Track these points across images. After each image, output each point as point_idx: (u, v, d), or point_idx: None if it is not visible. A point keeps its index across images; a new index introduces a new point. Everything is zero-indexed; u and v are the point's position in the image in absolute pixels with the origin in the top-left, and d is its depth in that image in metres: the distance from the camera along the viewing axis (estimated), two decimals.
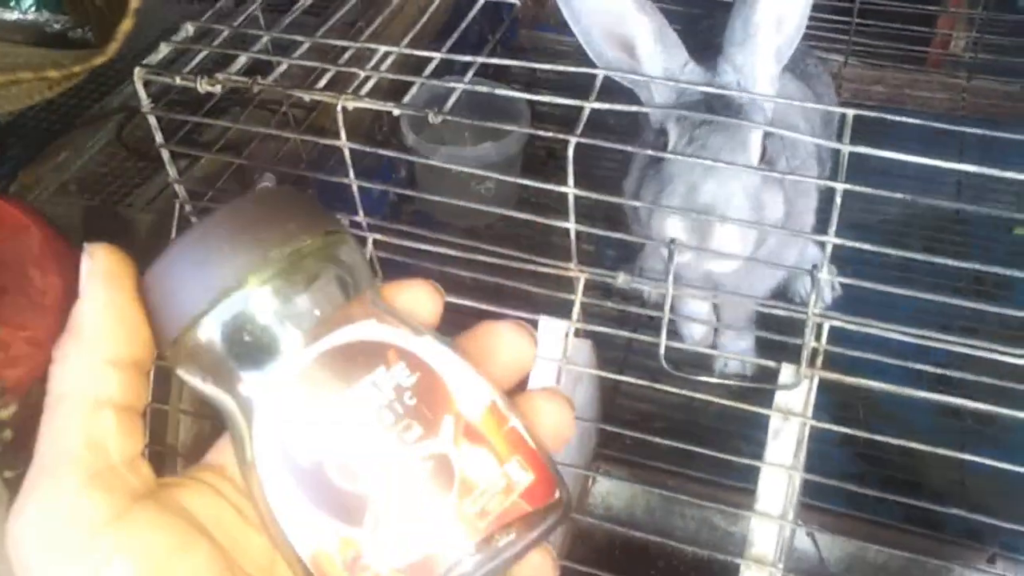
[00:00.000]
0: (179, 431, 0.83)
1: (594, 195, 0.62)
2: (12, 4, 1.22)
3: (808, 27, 1.29)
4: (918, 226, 1.20)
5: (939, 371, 0.61)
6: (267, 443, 0.26)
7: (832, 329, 0.60)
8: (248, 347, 0.26)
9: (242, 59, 0.69)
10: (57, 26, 1.25)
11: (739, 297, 0.71)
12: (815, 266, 0.58)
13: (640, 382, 0.64)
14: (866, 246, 0.54)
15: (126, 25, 1.17)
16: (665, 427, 0.90)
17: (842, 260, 1.12)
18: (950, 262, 0.57)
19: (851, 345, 0.60)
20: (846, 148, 0.56)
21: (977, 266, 0.57)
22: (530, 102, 1.17)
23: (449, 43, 0.74)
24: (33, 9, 1.24)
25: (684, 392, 0.63)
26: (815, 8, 1.30)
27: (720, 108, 0.70)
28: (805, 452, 0.64)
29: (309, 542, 0.26)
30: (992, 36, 1.28)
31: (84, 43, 1.30)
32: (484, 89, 0.66)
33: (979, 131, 0.64)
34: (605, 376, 0.71)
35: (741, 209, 0.66)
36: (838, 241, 0.55)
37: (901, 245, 0.94)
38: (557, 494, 0.27)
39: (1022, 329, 0.71)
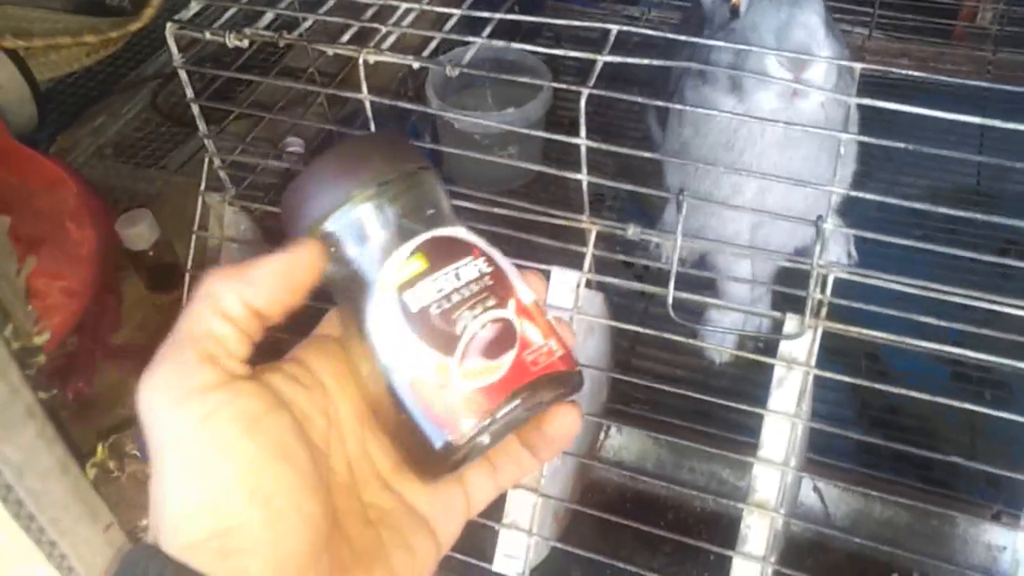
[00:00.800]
0: None
1: (605, 146, 0.63)
2: None
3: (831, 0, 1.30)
4: (942, 201, 1.20)
5: (944, 324, 0.62)
6: (385, 296, 0.35)
7: (852, 286, 0.61)
8: (356, 243, 0.36)
9: (269, 15, 0.72)
10: None
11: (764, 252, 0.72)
12: (820, 217, 0.59)
13: (648, 331, 0.65)
14: (870, 196, 0.55)
15: None
16: (679, 384, 0.91)
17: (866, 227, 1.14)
18: (971, 216, 0.58)
19: (871, 301, 0.62)
20: (853, 100, 0.57)
21: (997, 219, 0.57)
22: (553, 67, 1.19)
23: (455, 18, 0.76)
24: None
25: (692, 342, 0.64)
26: None
27: None
28: (809, 402, 0.65)
29: (410, 370, 0.35)
30: (1020, 8, 1.27)
31: (120, 11, 1.34)
32: (500, 44, 0.68)
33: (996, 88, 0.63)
34: (617, 327, 0.73)
35: (824, 44, 0.69)
36: (842, 191, 0.57)
37: (925, 220, 0.95)
38: (577, 368, 0.37)
39: None
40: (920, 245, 0.60)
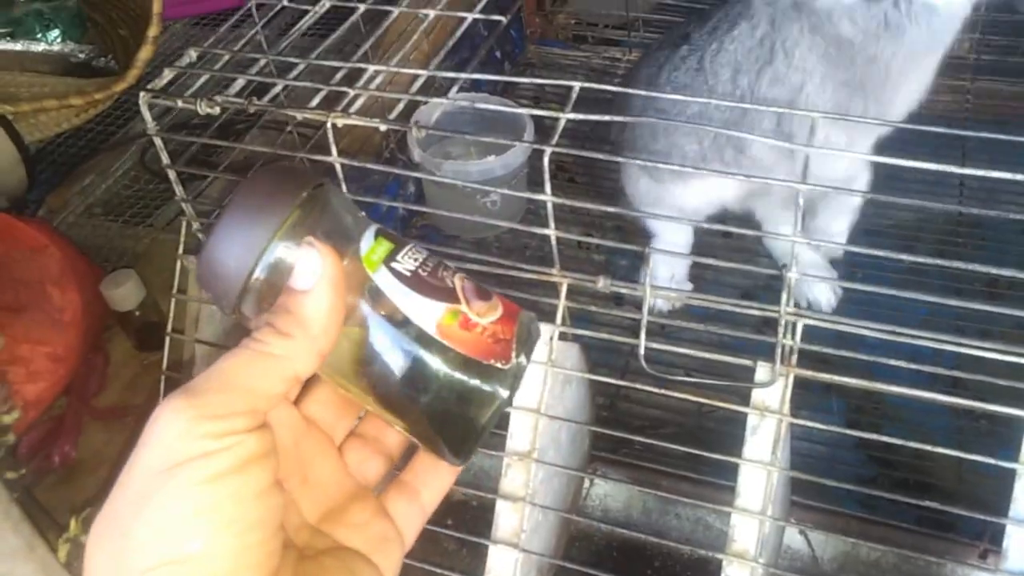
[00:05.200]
0: None
1: (568, 202, 0.64)
2: (39, 36, 1.28)
3: None
4: (929, 230, 1.20)
5: (937, 371, 0.62)
6: (383, 277, 0.38)
7: (842, 333, 0.61)
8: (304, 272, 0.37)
9: (240, 82, 0.73)
10: (82, 56, 1.31)
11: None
12: (784, 265, 0.60)
13: (622, 383, 0.66)
14: (832, 243, 0.55)
15: (145, 53, 1.23)
16: (665, 431, 0.91)
17: (853, 264, 1.14)
18: (934, 262, 0.59)
19: (862, 349, 0.62)
20: (807, 150, 0.57)
21: (977, 267, 0.58)
22: (534, 116, 1.20)
23: (435, 62, 0.77)
24: (59, 40, 1.30)
25: (664, 393, 0.64)
26: None
27: None
28: (786, 449, 0.65)
29: (432, 317, 0.37)
30: (996, 37, 1.28)
31: (108, 71, 1.36)
32: (464, 101, 0.69)
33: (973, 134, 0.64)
34: (595, 379, 0.73)
35: None
36: (803, 241, 0.57)
37: (912, 250, 0.95)
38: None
39: None
40: (893, 293, 0.60)
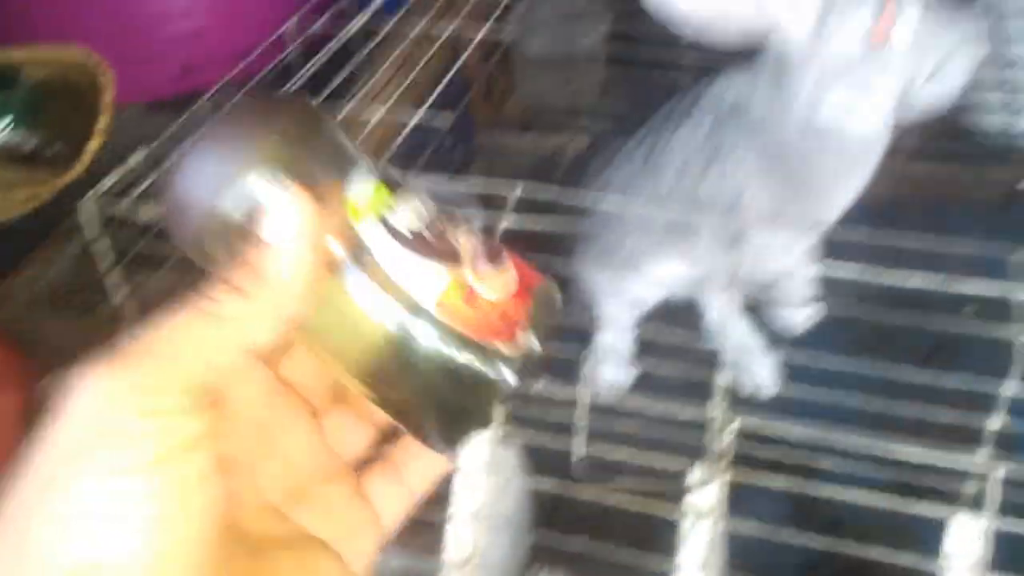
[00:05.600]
0: None
1: None
2: None
3: None
4: (872, 301, 1.23)
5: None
6: (376, 235, 0.31)
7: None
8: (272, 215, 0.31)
9: None
10: (32, 145, 1.31)
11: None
12: (716, 367, 0.61)
13: (560, 492, 0.66)
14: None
15: (93, 144, 1.23)
16: (613, 527, 0.91)
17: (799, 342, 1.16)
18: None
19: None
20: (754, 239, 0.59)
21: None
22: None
23: (387, 155, 0.78)
24: (9, 129, 1.29)
25: (601, 498, 0.65)
26: None
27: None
28: (722, 551, 0.66)
29: (431, 288, 0.31)
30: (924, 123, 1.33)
31: (58, 160, 1.36)
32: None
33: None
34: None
35: None
36: (733, 342, 0.58)
37: (853, 320, 0.97)
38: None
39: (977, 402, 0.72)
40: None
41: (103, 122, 1.22)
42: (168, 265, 0.84)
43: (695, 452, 0.66)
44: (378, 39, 0.93)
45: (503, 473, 0.69)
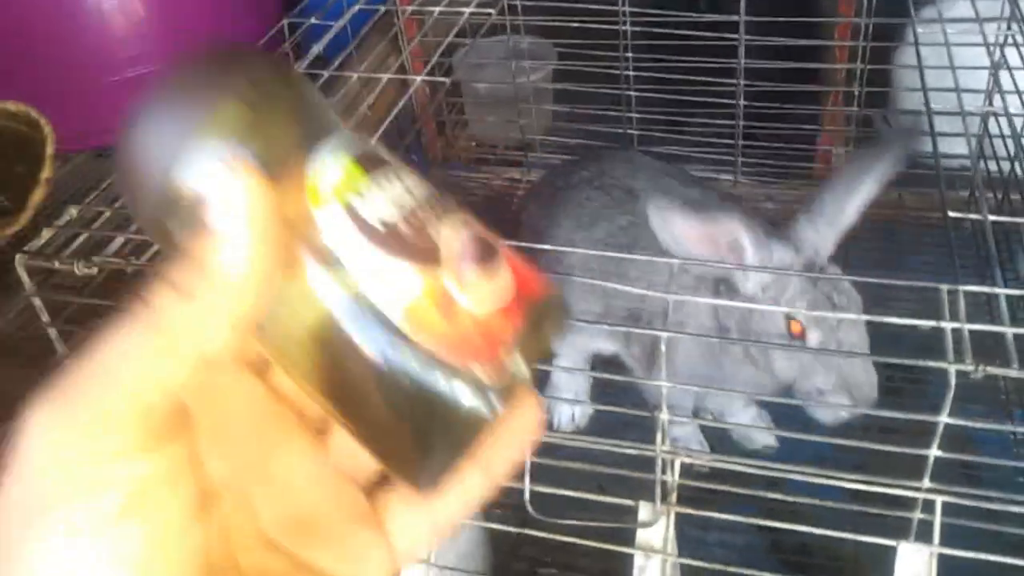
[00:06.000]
0: None
1: None
2: None
3: (697, 151, 1.38)
4: None
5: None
6: (338, 225, 0.26)
7: None
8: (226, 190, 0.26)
9: (120, 239, 0.73)
10: None
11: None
12: (655, 407, 0.61)
13: (509, 528, 0.66)
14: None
15: (37, 195, 1.22)
16: (575, 566, 0.91)
17: None
18: None
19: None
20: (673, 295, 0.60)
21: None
22: None
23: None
24: None
25: (552, 536, 0.65)
26: (703, 134, 1.39)
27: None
28: None
29: (400, 296, 0.26)
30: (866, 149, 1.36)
31: (3, 211, 1.34)
32: None
33: None
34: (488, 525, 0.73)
35: None
36: (669, 385, 0.59)
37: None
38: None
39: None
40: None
41: (45, 174, 1.21)
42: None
43: (645, 488, 0.66)
44: (322, 81, 0.93)
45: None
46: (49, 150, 1.20)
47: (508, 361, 0.27)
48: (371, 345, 0.26)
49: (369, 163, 0.27)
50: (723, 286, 0.86)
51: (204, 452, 0.26)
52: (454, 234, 0.27)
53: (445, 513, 0.30)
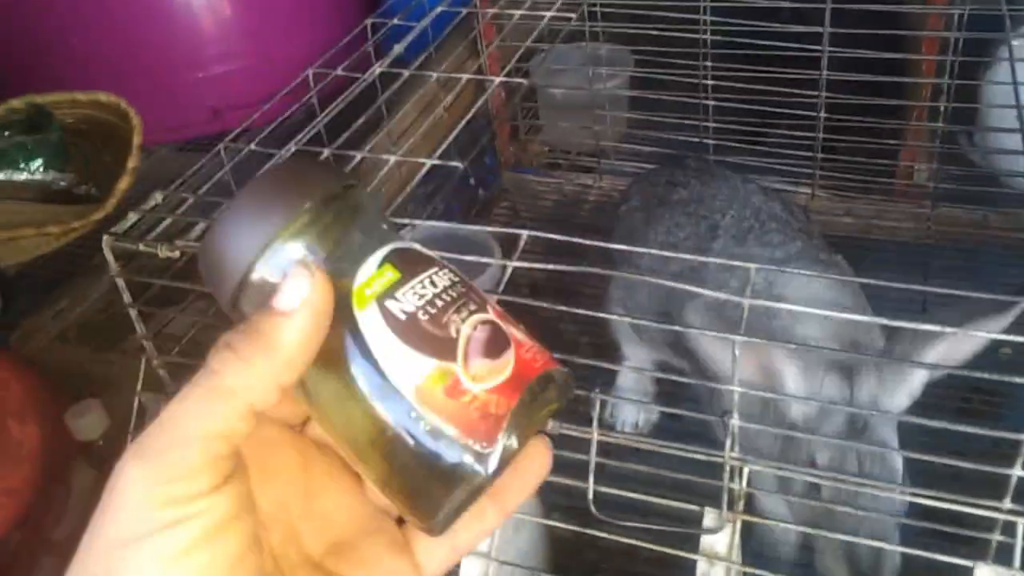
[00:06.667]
0: None
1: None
2: (22, 166, 1.31)
3: (775, 163, 1.36)
4: None
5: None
6: (367, 312, 0.32)
7: None
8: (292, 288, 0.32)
9: (201, 226, 0.75)
10: (63, 184, 1.34)
11: None
12: (726, 412, 0.60)
13: (571, 527, 0.65)
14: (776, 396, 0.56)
15: (123, 183, 1.26)
16: (629, 569, 0.90)
17: None
18: None
19: None
20: (747, 301, 0.59)
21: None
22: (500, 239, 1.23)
23: (402, 196, 0.79)
24: (41, 170, 1.33)
25: (612, 537, 0.64)
26: (781, 145, 1.37)
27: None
28: None
29: (412, 378, 0.32)
30: (952, 167, 1.33)
31: (89, 198, 1.39)
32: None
33: None
34: (547, 523, 0.73)
35: None
36: (741, 390, 0.58)
37: None
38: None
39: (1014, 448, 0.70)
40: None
41: (132, 163, 1.24)
42: (189, 301, 0.85)
43: (711, 494, 0.65)
44: (401, 81, 0.94)
45: (516, 512, 0.68)
46: (137, 140, 1.24)
47: (504, 436, 0.32)
48: (387, 413, 0.32)
49: (402, 263, 0.33)
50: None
51: (256, 491, 0.32)
52: (467, 326, 0.33)
53: (465, 540, 0.36)
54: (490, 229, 0.75)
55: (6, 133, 1.29)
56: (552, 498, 0.75)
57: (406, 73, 0.95)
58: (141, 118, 1.29)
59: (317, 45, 1.09)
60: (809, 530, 0.71)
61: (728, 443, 0.61)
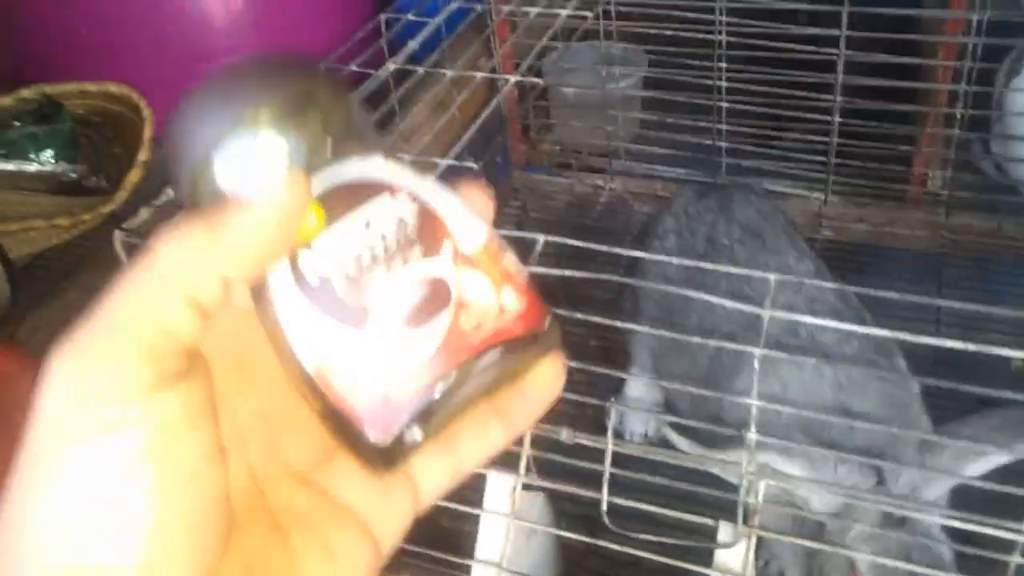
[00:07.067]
0: None
1: None
2: (32, 157, 1.30)
3: (787, 167, 1.35)
4: (916, 363, 1.21)
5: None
6: (279, 267, 0.28)
7: None
8: (255, 179, 0.28)
9: None
10: (74, 175, 1.34)
11: None
12: (743, 425, 0.60)
13: (580, 537, 0.65)
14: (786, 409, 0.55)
15: (134, 176, 1.25)
16: None
17: None
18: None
19: None
20: (767, 313, 0.58)
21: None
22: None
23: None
24: (52, 161, 1.32)
25: (625, 550, 0.63)
26: (794, 149, 1.36)
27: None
28: None
29: (317, 351, 0.27)
30: (966, 174, 1.32)
31: (99, 190, 1.38)
32: None
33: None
34: (558, 533, 0.72)
35: None
36: (760, 404, 0.57)
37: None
38: (546, 323, 0.29)
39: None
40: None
41: (143, 155, 1.24)
42: None
43: (724, 506, 0.64)
44: (414, 80, 0.93)
45: (529, 521, 0.68)
46: (148, 132, 1.24)
47: (405, 429, 0.28)
48: (299, 369, 0.28)
49: (338, 199, 0.28)
50: None
51: (231, 398, 0.28)
52: (390, 287, 0.28)
53: (467, 459, 0.31)
54: (507, 233, 0.74)
55: (17, 123, 1.29)
56: (560, 505, 0.74)
57: (420, 70, 0.94)
58: (152, 110, 1.28)
59: (327, 39, 1.08)
60: None
61: (744, 456, 0.61)
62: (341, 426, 0.28)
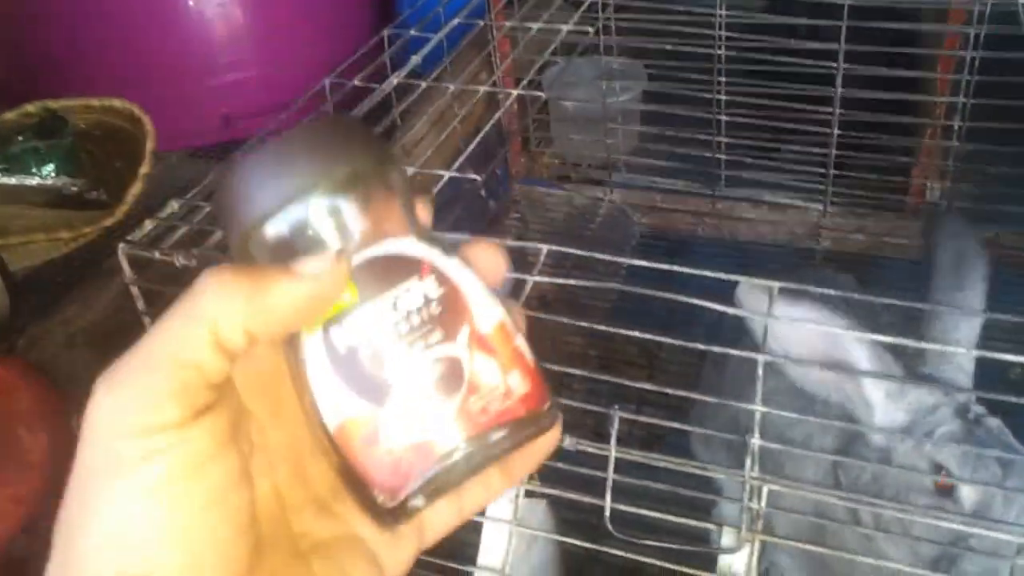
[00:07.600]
0: None
1: None
2: (34, 171, 1.31)
3: (787, 179, 1.35)
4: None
5: None
6: (312, 332, 0.31)
7: None
8: (301, 250, 0.30)
9: (219, 235, 0.74)
10: (74, 189, 1.34)
11: None
12: (748, 431, 0.60)
13: (586, 544, 0.65)
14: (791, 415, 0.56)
15: (135, 189, 1.26)
16: None
17: None
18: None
19: None
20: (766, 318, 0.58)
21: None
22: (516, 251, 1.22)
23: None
24: (53, 175, 1.33)
25: (629, 556, 0.63)
26: (793, 161, 1.37)
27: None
28: None
29: (338, 414, 0.30)
30: (964, 184, 1.32)
31: (100, 204, 1.38)
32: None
33: None
34: (560, 539, 0.72)
35: None
36: (763, 409, 0.57)
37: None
38: (547, 405, 0.32)
39: None
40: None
41: (144, 169, 1.24)
42: None
43: (726, 513, 0.64)
44: (416, 94, 0.94)
45: (531, 528, 0.68)
46: (149, 146, 1.24)
47: (412, 497, 0.31)
48: (320, 428, 0.31)
49: (373, 277, 0.30)
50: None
51: (264, 424, 0.32)
52: (410, 367, 0.30)
53: (470, 505, 0.35)
54: (511, 243, 0.74)
55: (19, 137, 1.29)
56: (561, 512, 0.74)
57: (423, 84, 0.95)
58: (153, 124, 1.29)
59: (329, 55, 1.09)
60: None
61: (748, 462, 0.61)
62: (354, 482, 0.31)
